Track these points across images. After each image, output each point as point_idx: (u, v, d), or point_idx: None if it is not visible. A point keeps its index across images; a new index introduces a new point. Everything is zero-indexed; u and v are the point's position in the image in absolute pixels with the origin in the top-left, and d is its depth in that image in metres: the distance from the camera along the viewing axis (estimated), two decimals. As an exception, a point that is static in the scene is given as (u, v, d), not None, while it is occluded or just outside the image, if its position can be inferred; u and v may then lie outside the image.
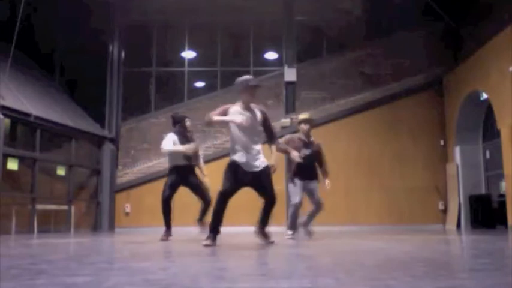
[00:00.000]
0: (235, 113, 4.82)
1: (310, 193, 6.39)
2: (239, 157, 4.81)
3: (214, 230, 4.84)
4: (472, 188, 11.36)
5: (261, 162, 4.85)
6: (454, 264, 3.05)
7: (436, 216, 12.04)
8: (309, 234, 6.49)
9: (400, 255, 3.52)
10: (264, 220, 5.03)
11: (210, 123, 4.92)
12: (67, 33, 12.38)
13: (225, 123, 4.91)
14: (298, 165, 6.16)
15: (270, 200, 4.92)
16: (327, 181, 6.54)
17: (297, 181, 6.29)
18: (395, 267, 2.73)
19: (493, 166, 10.97)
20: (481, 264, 2.89)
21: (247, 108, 4.89)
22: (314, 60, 12.90)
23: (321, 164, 6.58)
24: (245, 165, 4.80)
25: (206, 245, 4.66)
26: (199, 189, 6.45)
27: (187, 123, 6.58)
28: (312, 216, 6.53)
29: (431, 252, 3.84)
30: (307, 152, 6.28)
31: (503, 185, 10.04)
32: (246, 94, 4.89)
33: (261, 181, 4.86)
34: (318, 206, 6.40)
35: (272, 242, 4.93)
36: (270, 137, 5.11)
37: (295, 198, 6.29)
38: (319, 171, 6.59)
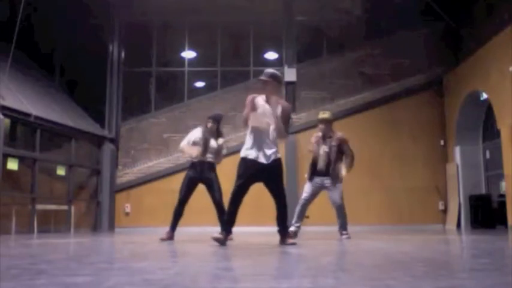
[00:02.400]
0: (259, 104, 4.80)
1: (327, 191, 6.32)
2: (248, 150, 4.78)
3: (227, 228, 4.84)
4: (472, 188, 11.36)
5: (272, 154, 4.75)
6: (454, 264, 3.05)
7: (436, 216, 12.04)
8: (345, 236, 6.27)
9: (400, 255, 3.52)
10: (281, 228, 4.87)
11: (246, 122, 4.79)
12: (67, 33, 12.38)
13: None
14: (316, 163, 6.29)
15: (278, 196, 4.80)
16: (343, 171, 6.31)
17: (314, 178, 6.32)
18: (395, 267, 2.73)
19: (493, 166, 10.97)
20: (481, 264, 2.89)
21: (267, 101, 4.80)
22: (314, 60, 12.89)
23: (344, 154, 6.40)
24: (255, 157, 4.74)
25: (215, 238, 4.67)
26: (211, 188, 6.14)
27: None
28: (338, 219, 6.37)
29: (431, 252, 3.84)
30: (324, 149, 6.30)
31: (503, 185, 10.04)
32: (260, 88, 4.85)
33: (271, 173, 4.77)
34: (335, 208, 6.33)
35: (294, 244, 4.76)
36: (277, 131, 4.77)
37: (303, 194, 6.42)
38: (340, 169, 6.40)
